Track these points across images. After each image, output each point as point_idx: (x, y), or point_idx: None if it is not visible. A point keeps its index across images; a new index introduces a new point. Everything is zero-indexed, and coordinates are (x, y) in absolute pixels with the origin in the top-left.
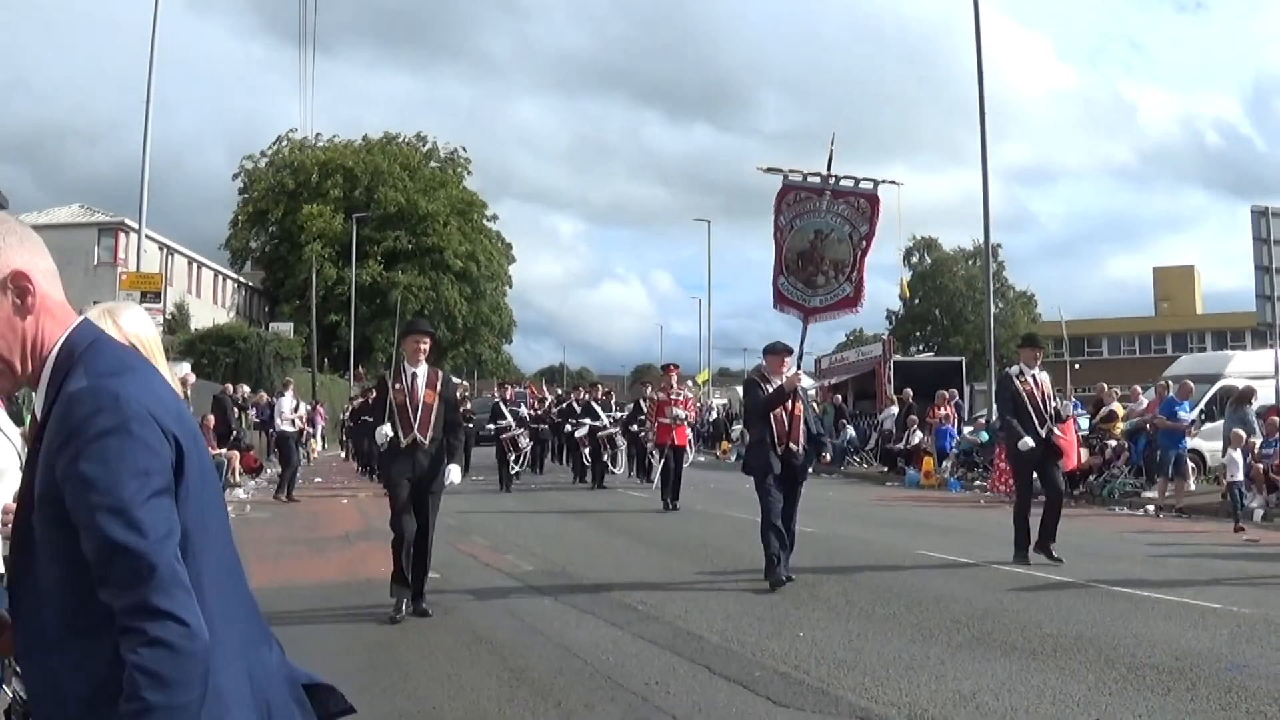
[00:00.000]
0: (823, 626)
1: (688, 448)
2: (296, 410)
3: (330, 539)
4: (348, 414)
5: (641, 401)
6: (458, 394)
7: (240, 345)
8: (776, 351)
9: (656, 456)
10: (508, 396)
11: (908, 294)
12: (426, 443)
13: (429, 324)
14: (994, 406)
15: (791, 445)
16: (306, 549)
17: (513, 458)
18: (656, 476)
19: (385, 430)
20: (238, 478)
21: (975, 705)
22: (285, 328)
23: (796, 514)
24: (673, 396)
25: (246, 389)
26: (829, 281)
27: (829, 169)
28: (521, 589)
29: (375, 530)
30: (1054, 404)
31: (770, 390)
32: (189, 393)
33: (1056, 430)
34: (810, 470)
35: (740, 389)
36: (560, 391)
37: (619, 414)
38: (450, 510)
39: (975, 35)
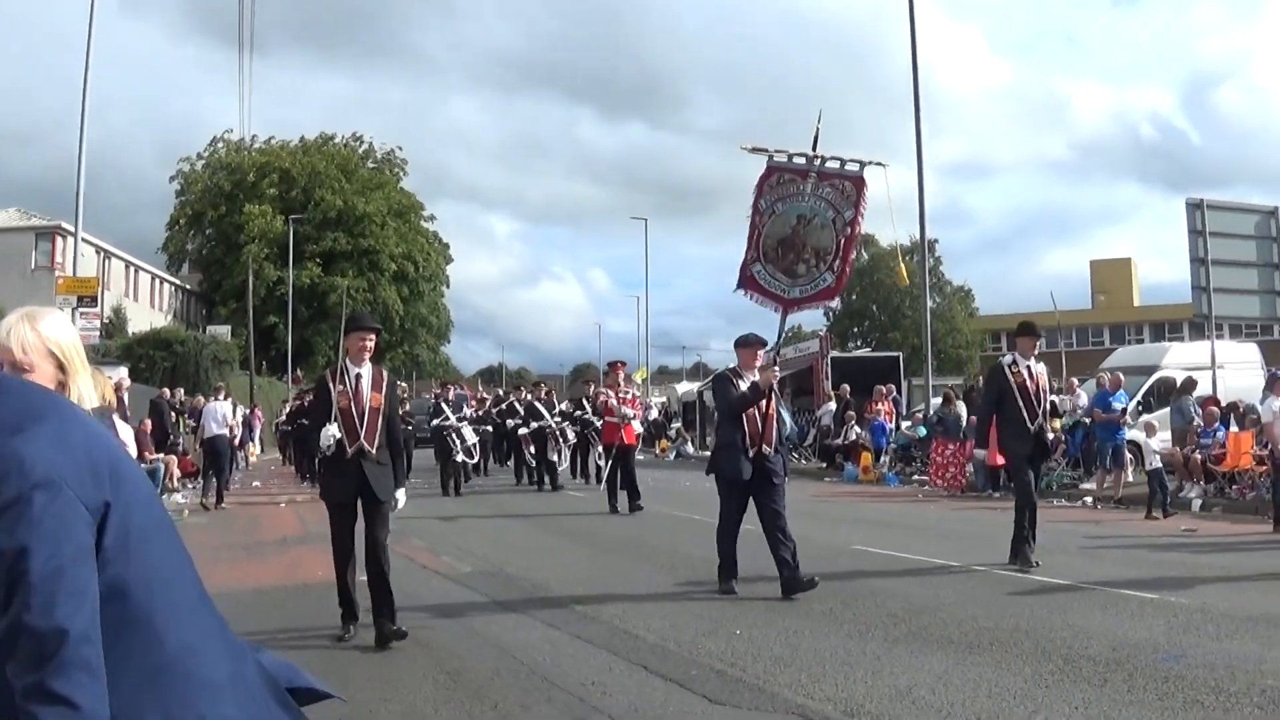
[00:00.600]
0: (759, 624)
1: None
2: (235, 415)
3: (268, 543)
4: (284, 417)
5: (584, 400)
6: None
7: (178, 349)
8: (749, 344)
9: (603, 457)
10: (449, 397)
11: (906, 281)
12: (374, 452)
13: (373, 319)
14: (930, 401)
15: (764, 447)
16: (244, 554)
17: (459, 453)
18: (604, 477)
19: (332, 431)
20: (175, 483)
21: (912, 700)
22: (223, 330)
23: (785, 514)
24: (620, 395)
25: (183, 393)
26: (809, 271)
27: (815, 148)
28: (459, 590)
29: (313, 535)
30: (1049, 398)
31: (744, 387)
32: (125, 397)
33: (1050, 428)
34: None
35: (680, 388)
36: (500, 391)
37: (560, 415)
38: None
39: (910, 33)
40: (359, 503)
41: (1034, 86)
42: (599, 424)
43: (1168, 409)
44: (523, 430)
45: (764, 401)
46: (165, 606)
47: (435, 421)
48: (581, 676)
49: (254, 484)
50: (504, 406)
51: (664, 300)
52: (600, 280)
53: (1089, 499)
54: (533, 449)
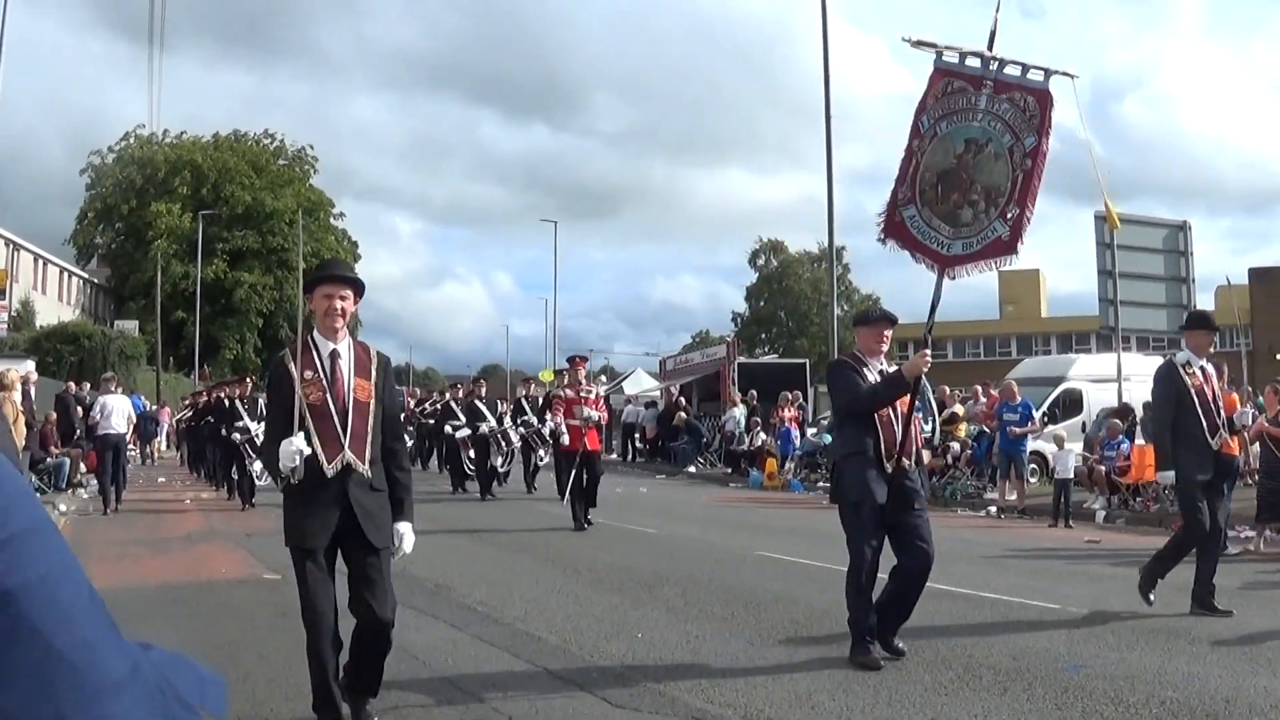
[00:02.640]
0: (661, 627)
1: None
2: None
3: (172, 539)
4: (190, 413)
5: (523, 400)
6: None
7: (85, 343)
8: (873, 321)
9: (554, 465)
10: None
11: (1118, 225)
12: (365, 469)
13: (350, 266)
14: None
15: (904, 461)
16: (148, 550)
17: None
18: (564, 490)
19: (298, 445)
20: (80, 477)
21: (811, 705)
22: (131, 326)
23: (931, 554)
24: (582, 394)
25: (89, 387)
26: (978, 218)
27: (990, 47)
28: None
29: (218, 532)
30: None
31: (875, 377)
32: (32, 391)
33: (1230, 441)
34: (925, 494)
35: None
36: (418, 391)
37: (510, 417)
38: None
39: (823, 42)
40: (341, 550)
41: None
42: (542, 428)
43: (1076, 419)
44: (462, 433)
45: (904, 398)
46: (53, 606)
47: None
48: (482, 677)
49: (159, 479)
50: (439, 407)
51: (568, 303)
52: (504, 282)
53: (993, 509)
54: (472, 453)
